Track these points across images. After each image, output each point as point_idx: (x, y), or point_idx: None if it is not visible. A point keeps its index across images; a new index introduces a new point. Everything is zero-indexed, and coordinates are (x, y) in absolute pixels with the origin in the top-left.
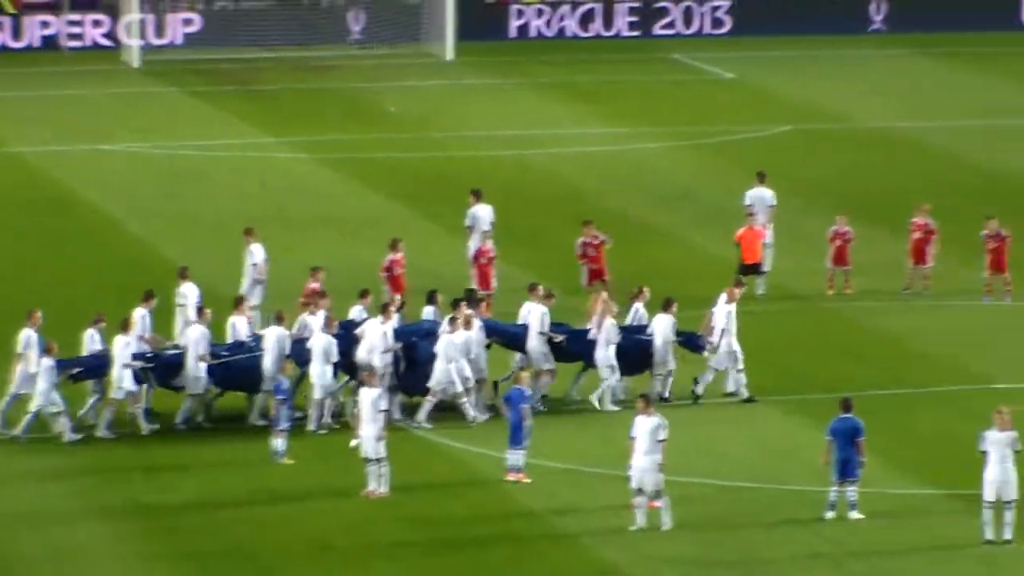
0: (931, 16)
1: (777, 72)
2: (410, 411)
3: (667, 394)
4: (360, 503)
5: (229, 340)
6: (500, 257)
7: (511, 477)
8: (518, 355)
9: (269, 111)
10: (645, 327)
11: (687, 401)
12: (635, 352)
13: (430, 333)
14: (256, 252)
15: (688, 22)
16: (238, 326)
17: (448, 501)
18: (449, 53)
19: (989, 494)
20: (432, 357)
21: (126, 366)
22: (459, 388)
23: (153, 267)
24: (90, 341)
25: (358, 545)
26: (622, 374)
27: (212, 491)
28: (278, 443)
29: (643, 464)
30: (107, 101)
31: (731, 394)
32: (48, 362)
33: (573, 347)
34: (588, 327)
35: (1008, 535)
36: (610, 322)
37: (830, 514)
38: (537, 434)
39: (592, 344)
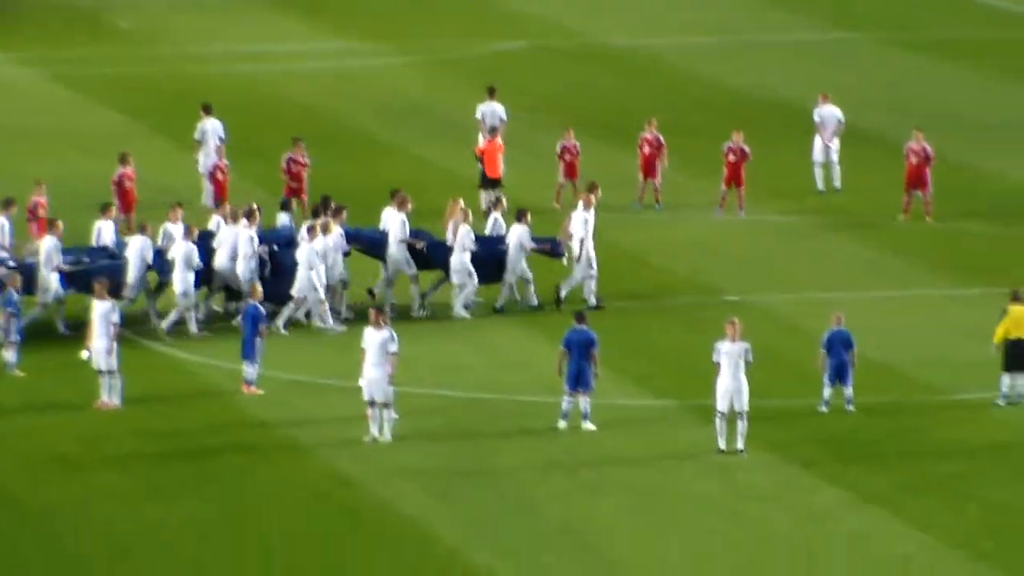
0: None
1: None
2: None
3: (534, 302)
4: (93, 415)
5: (95, 244)
6: (233, 171)
7: (245, 389)
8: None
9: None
10: (503, 237)
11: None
12: (492, 261)
13: (289, 241)
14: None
15: None
16: (104, 231)
17: (181, 413)
18: None
19: (722, 404)
20: (294, 265)
21: None
22: (322, 295)
23: None
24: None
25: (91, 457)
26: (481, 283)
27: None
28: (9, 355)
29: (373, 375)
30: None
31: (597, 304)
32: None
33: (432, 254)
34: (448, 236)
35: (740, 445)
36: (465, 229)
37: (563, 424)
38: (272, 347)
39: (450, 251)
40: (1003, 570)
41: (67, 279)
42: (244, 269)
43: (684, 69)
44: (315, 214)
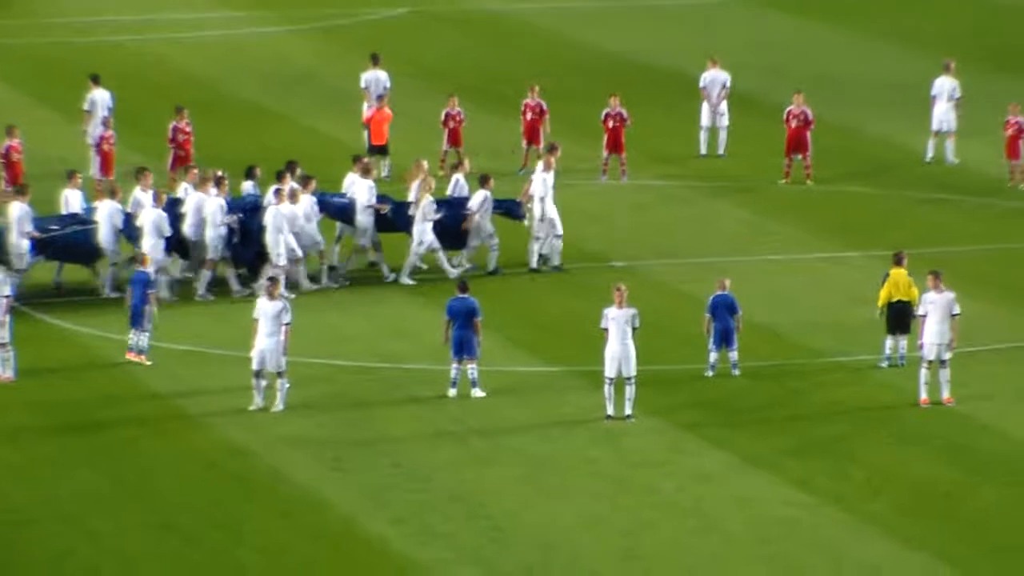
0: None
1: None
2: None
3: (493, 267)
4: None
5: (63, 212)
6: (119, 142)
7: (132, 357)
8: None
9: None
10: (466, 199)
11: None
12: (455, 226)
13: (256, 207)
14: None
15: None
16: (71, 199)
17: (72, 385)
18: None
19: (610, 370)
20: (261, 229)
21: None
22: (284, 260)
23: None
24: None
25: None
26: (445, 248)
27: None
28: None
29: (266, 345)
30: None
31: (544, 259)
32: None
33: (396, 219)
34: (410, 201)
35: (629, 410)
36: (428, 199)
37: (452, 392)
38: (163, 317)
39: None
40: (888, 531)
41: (36, 246)
42: (213, 236)
43: (562, 34)
44: (278, 178)
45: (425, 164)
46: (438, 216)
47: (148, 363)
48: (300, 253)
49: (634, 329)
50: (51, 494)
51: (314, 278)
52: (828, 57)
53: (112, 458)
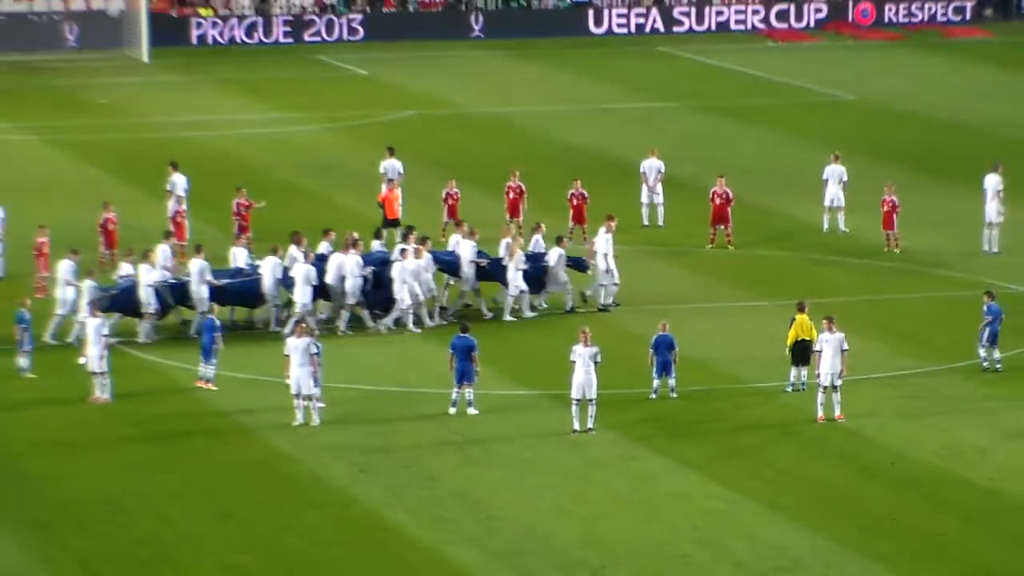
0: (517, 27)
1: (401, 70)
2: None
3: (569, 307)
4: (88, 408)
5: (232, 267)
6: (191, 216)
7: (201, 384)
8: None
9: (4, 103)
10: (543, 254)
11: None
12: (536, 275)
13: (384, 261)
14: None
15: (330, 31)
16: (238, 256)
17: (155, 405)
18: (145, 56)
19: (576, 393)
20: (390, 279)
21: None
22: (407, 303)
23: None
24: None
25: (85, 440)
26: (531, 291)
27: None
28: (23, 361)
29: (298, 373)
30: None
31: (605, 306)
32: (90, 282)
33: (492, 270)
34: (501, 256)
35: (590, 424)
36: (519, 254)
37: (453, 410)
38: (227, 351)
39: (505, 268)
40: (792, 519)
41: (213, 293)
42: (352, 285)
43: (537, 131)
44: (403, 239)
45: (513, 228)
46: (525, 267)
47: (214, 389)
48: (421, 297)
49: (596, 363)
50: (138, 489)
51: (430, 315)
52: (744, 149)
53: (185, 462)
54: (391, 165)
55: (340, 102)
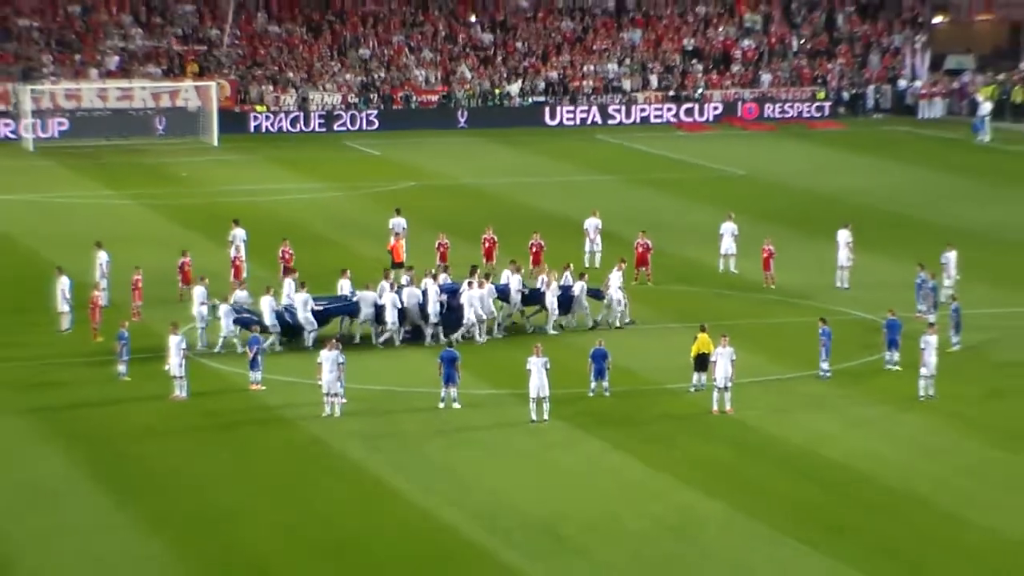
0: (492, 119)
1: (405, 151)
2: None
3: (590, 324)
4: (169, 404)
5: (338, 294)
6: (250, 259)
7: (252, 387)
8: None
9: (109, 176)
10: (571, 287)
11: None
12: (565, 300)
13: (454, 290)
14: (101, 256)
15: (353, 122)
16: (343, 286)
17: (219, 402)
18: (215, 141)
19: (532, 393)
20: (460, 305)
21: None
22: (474, 321)
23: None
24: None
25: (166, 428)
26: (560, 313)
27: (80, 397)
28: (121, 368)
29: (329, 377)
30: (12, 170)
31: (622, 326)
32: (225, 307)
33: (533, 297)
34: (539, 286)
35: (545, 416)
36: (555, 285)
37: (441, 405)
38: (275, 359)
39: (543, 295)
40: (695, 487)
41: (317, 317)
42: (432, 311)
43: (506, 197)
44: (471, 274)
45: (546, 266)
46: (559, 294)
47: (263, 389)
48: (484, 317)
49: (547, 370)
50: (204, 464)
51: (489, 331)
52: (660, 211)
53: (240, 444)
54: (398, 222)
55: (359, 175)
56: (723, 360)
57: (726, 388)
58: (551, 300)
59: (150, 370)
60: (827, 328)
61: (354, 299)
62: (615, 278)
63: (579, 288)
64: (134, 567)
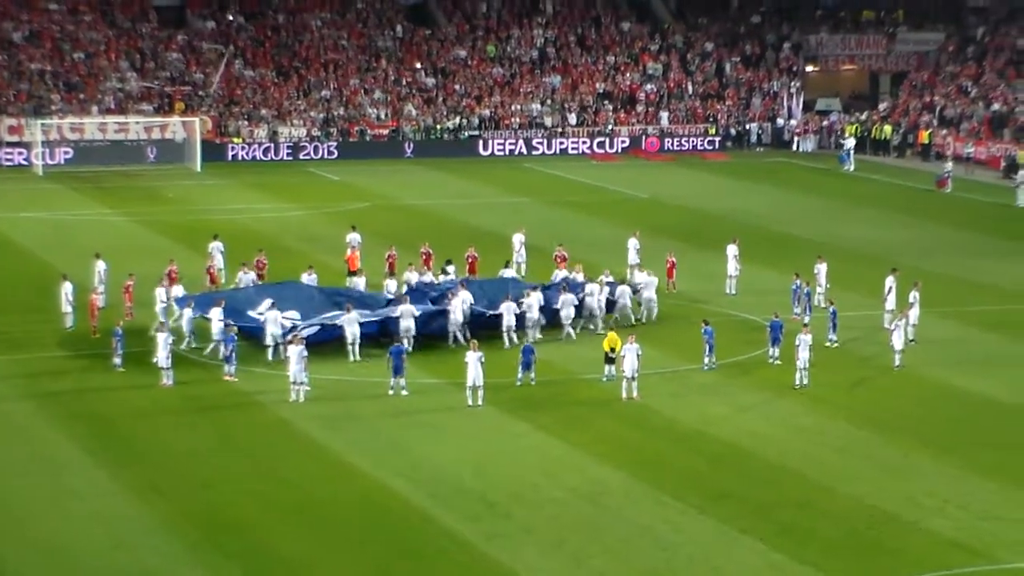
0: (434, 150)
1: (360, 177)
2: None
3: (631, 321)
4: (159, 390)
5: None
6: (227, 267)
7: (226, 378)
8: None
9: (108, 197)
10: (615, 286)
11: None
12: (610, 303)
13: (578, 286)
14: (100, 265)
15: (317, 152)
16: (389, 286)
17: (201, 389)
18: (198, 168)
19: (469, 382)
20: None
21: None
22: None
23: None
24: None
25: (156, 410)
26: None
27: (81, 384)
28: (117, 361)
29: (294, 368)
30: (24, 192)
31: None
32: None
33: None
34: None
35: (480, 402)
36: (602, 289)
37: (391, 392)
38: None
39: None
40: (604, 462)
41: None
42: (565, 313)
43: (445, 215)
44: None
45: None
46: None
47: (236, 380)
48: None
49: (482, 363)
50: (188, 440)
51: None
52: (577, 228)
53: (220, 424)
54: (353, 237)
55: (321, 197)
56: (631, 355)
57: (633, 379)
58: (598, 302)
59: (141, 362)
60: (709, 328)
61: (396, 315)
62: (646, 278)
63: (621, 290)
64: (130, 526)
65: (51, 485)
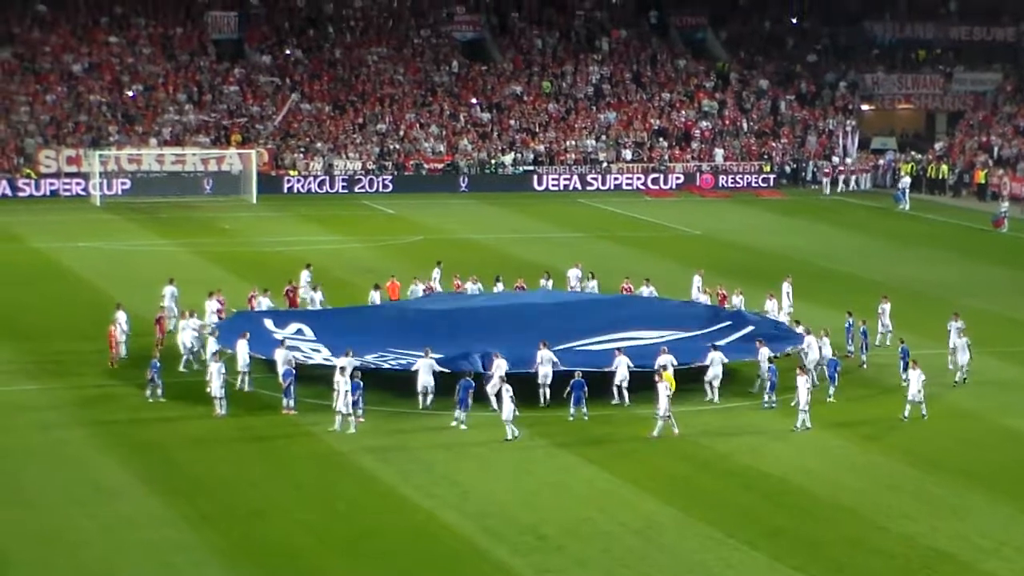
0: (488, 184)
1: (415, 211)
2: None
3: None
4: (212, 420)
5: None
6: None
7: (284, 411)
8: None
9: (164, 228)
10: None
11: None
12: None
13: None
14: (171, 289)
15: (372, 185)
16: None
17: (255, 418)
18: (254, 200)
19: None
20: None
21: None
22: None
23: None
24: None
25: (210, 439)
26: None
27: (135, 413)
28: (159, 391)
29: (345, 400)
30: (82, 222)
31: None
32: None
33: None
34: None
35: (516, 435)
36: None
37: (454, 424)
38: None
39: None
40: (657, 497)
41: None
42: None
43: (499, 249)
44: None
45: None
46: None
47: (295, 412)
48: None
49: (512, 399)
50: (241, 469)
51: None
52: (632, 264)
53: (272, 453)
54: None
55: (376, 230)
56: (662, 395)
57: (668, 416)
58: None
59: (195, 391)
60: (773, 367)
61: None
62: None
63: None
64: (182, 555)
65: (104, 513)
